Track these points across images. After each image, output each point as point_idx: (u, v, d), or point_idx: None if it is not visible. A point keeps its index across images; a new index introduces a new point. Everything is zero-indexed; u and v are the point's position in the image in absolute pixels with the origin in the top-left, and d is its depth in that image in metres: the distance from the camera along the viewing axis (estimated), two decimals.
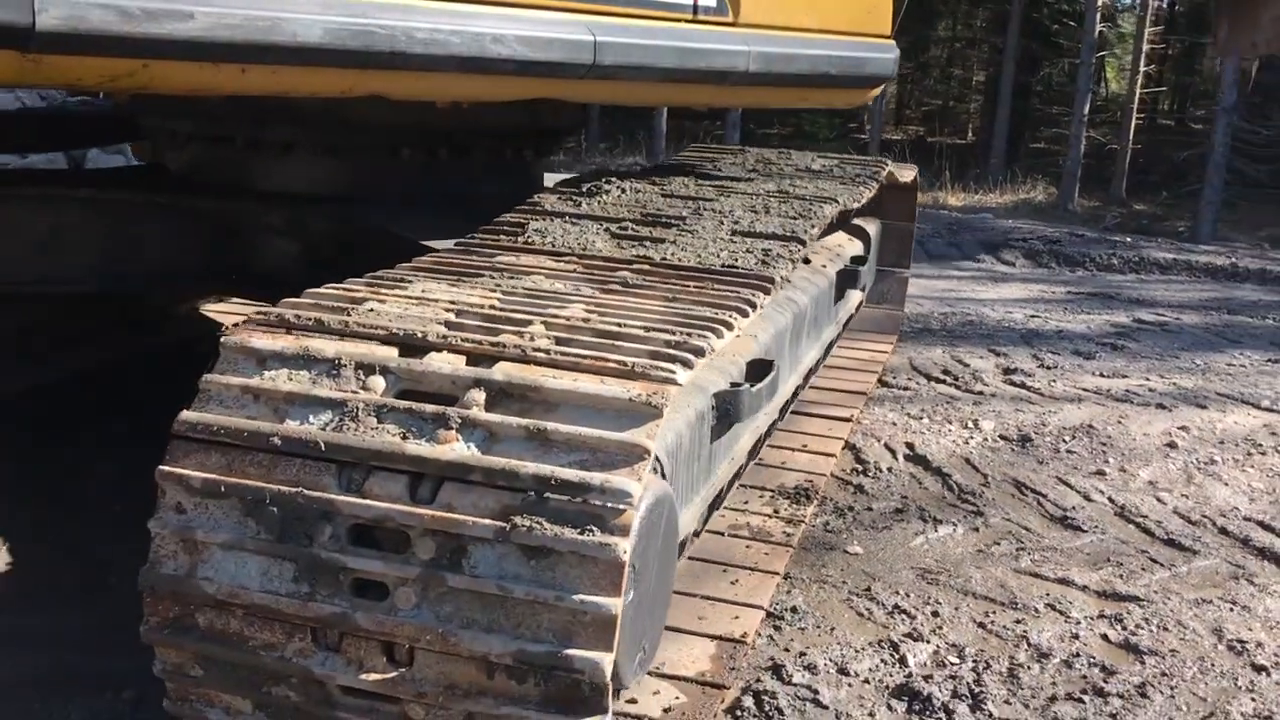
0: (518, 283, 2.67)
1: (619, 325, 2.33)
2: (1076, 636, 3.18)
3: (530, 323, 2.27)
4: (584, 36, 3.26)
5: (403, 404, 2.02)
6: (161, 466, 2.02)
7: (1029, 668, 2.97)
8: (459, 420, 1.97)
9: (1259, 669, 3.07)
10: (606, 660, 1.84)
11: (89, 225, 3.88)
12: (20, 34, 2.42)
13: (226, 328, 2.22)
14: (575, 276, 2.78)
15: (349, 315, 2.27)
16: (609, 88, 3.62)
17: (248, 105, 3.27)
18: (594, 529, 1.84)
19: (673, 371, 2.05)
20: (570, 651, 1.84)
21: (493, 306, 2.42)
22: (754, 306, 2.62)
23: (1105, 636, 3.20)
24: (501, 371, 2.06)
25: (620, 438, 1.91)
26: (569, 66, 3.27)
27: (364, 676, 1.94)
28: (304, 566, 1.94)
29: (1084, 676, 2.96)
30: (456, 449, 1.94)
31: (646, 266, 2.89)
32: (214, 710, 2.09)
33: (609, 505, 1.86)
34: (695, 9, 3.72)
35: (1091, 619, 3.27)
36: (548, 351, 2.14)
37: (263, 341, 2.16)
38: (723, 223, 3.43)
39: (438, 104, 3.71)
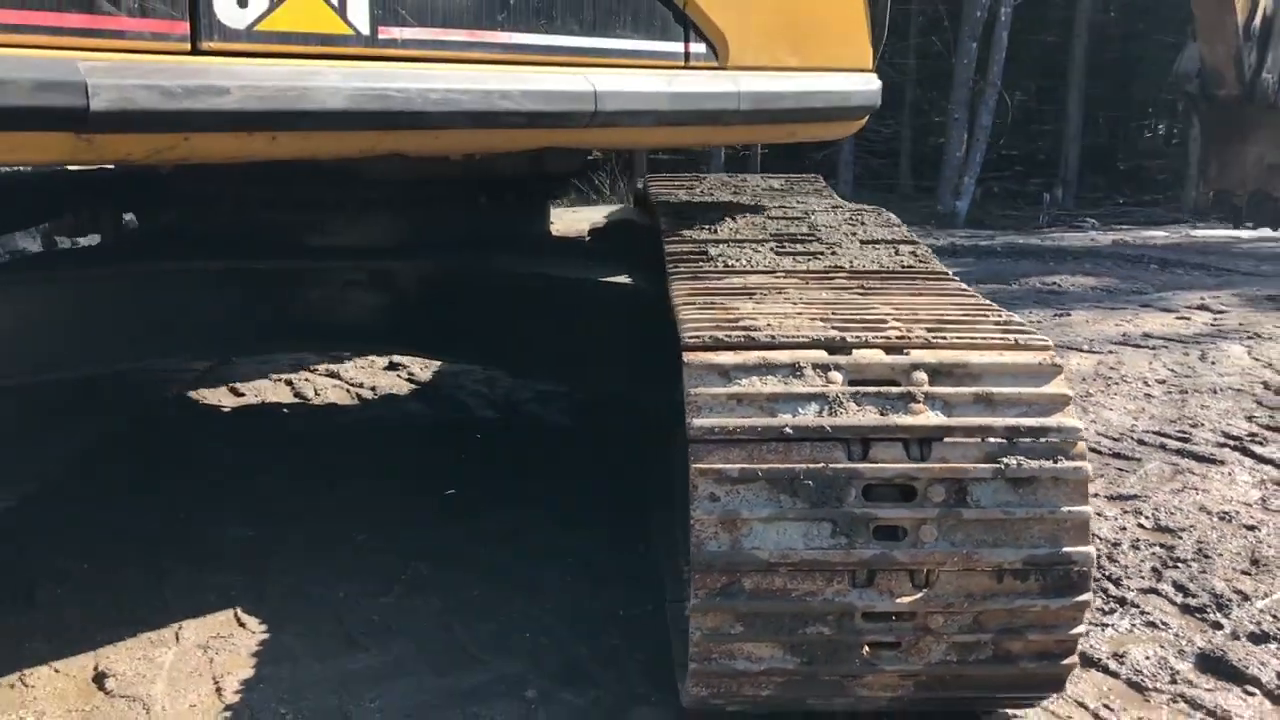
0: (797, 295, 3.15)
1: (931, 315, 2.89)
2: (1124, 529, 4.16)
3: (884, 322, 2.86)
4: (584, 88, 3.55)
5: (870, 389, 2.57)
6: (695, 465, 2.45)
7: (1116, 557, 3.89)
8: (922, 395, 2.56)
9: (1250, 528, 4.16)
10: (1090, 551, 2.52)
11: (174, 297, 3.93)
12: (76, 116, 2.67)
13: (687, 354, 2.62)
14: (815, 287, 3.22)
15: (754, 332, 2.74)
16: (610, 134, 4.02)
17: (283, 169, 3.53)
18: (1062, 458, 2.51)
19: (1045, 341, 2.74)
20: (1064, 549, 2.48)
21: (824, 314, 2.94)
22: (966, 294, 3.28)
23: (1141, 525, 4.22)
24: (933, 356, 2.65)
25: (1048, 391, 2.58)
26: (572, 116, 3.54)
27: (898, 600, 2.48)
28: (841, 524, 2.45)
29: (1154, 554, 3.93)
30: (932, 417, 2.53)
31: (846, 273, 3.48)
32: (739, 660, 2.54)
33: (1066, 440, 2.51)
34: (686, 56, 4.25)
35: (1121, 514, 4.28)
36: (928, 338, 2.72)
37: (723, 358, 2.62)
38: (835, 233, 3.90)
39: (451, 157, 4.10)
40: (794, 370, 2.59)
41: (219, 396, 5.73)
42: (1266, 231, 14.03)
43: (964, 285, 3.31)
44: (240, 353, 5.05)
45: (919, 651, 2.53)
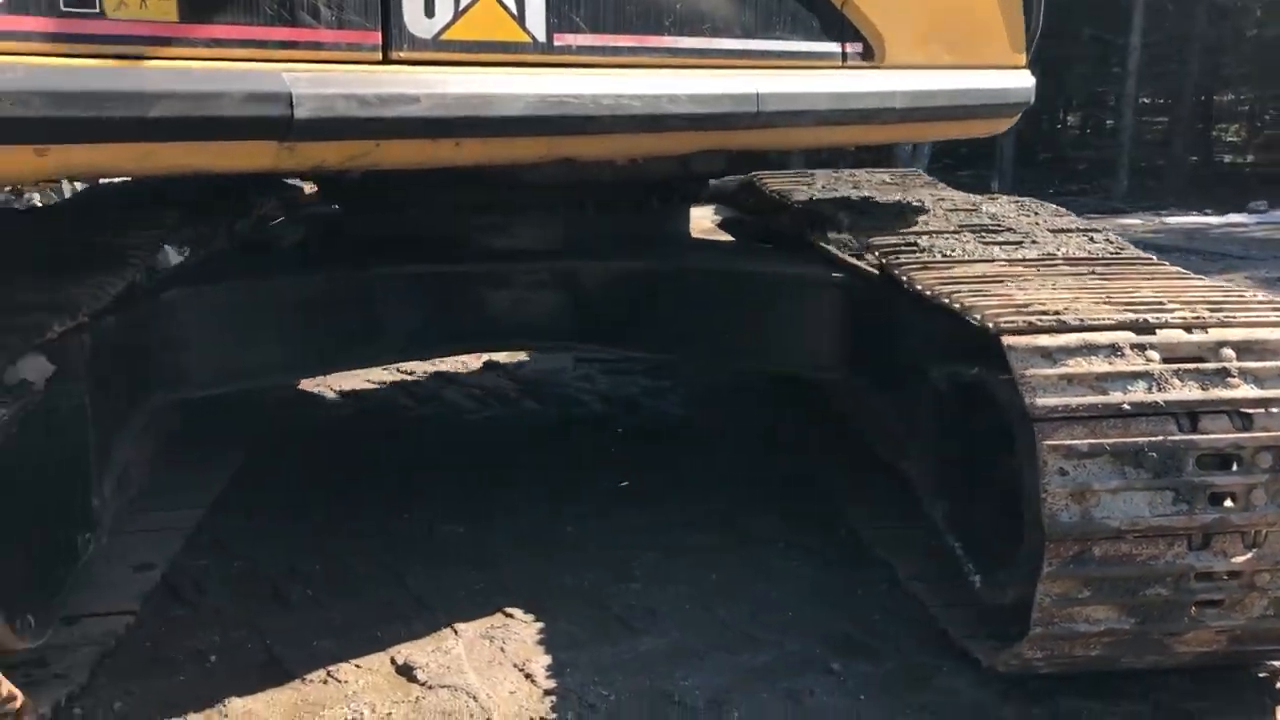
0: (1046, 281, 3.33)
1: (1192, 297, 3.08)
2: None
3: (1162, 304, 3.07)
4: (748, 90, 3.69)
5: (1187, 366, 2.78)
6: (1044, 442, 2.64)
7: None
8: (1236, 370, 2.78)
9: None
10: None
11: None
12: (282, 125, 2.85)
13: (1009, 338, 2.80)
14: (1051, 273, 3.43)
15: (1059, 316, 2.93)
16: (770, 135, 4.20)
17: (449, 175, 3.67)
18: None
19: None
20: None
21: (1099, 297, 3.12)
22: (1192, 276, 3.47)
23: None
24: (1234, 334, 2.86)
25: None
26: (735, 118, 3.69)
27: (1233, 560, 2.70)
28: (1181, 492, 2.66)
29: None
30: (1249, 390, 2.74)
31: (1064, 260, 3.68)
32: (1080, 624, 2.74)
33: None
34: (844, 55, 4.43)
35: None
36: (1219, 318, 2.92)
37: (1044, 340, 2.80)
38: (1016, 223, 4.08)
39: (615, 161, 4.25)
40: (1114, 350, 2.79)
41: (336, 401, 5.76)
42: (1233, 217, 14.72)
43: (1181, 269, 3.55)
44: (428, 354, 5.10)
45: (1242, 608, 2.75)
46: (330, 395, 5.84)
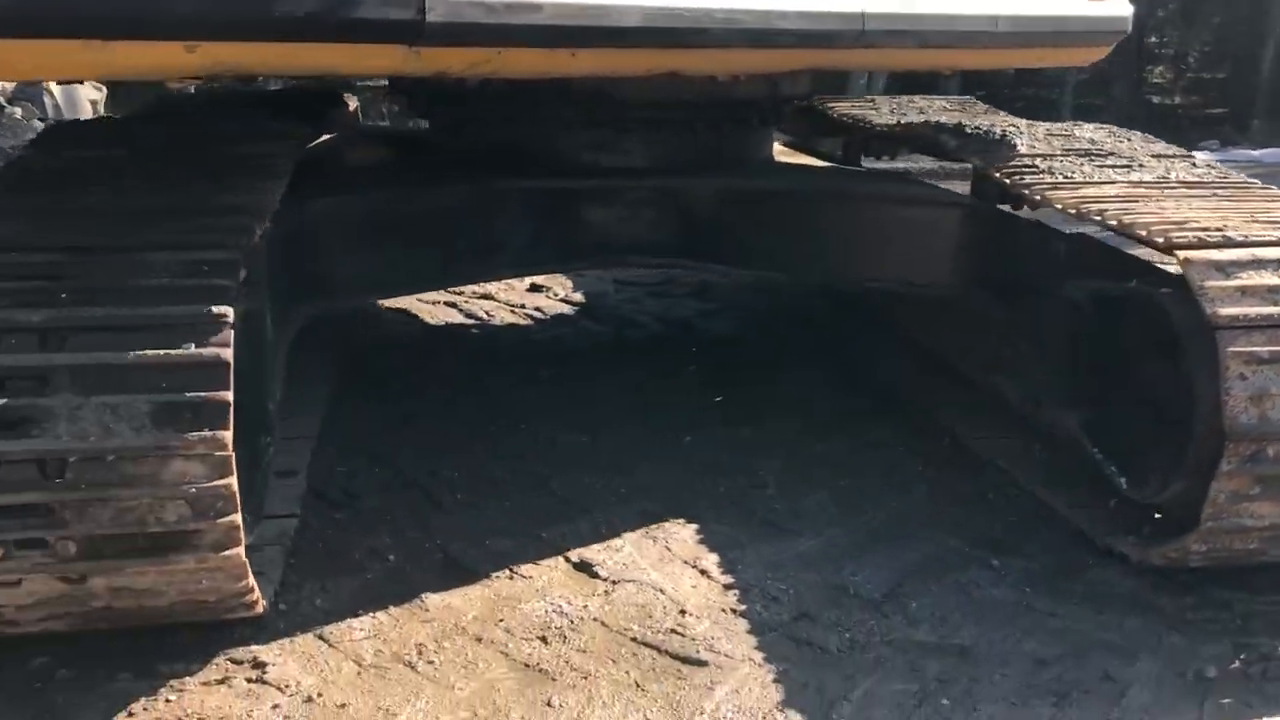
0: (1179, 202, 3.50)
1: None
2: None
3: None
4: (853, 8, 3.77)
5: None
6: (1228, 349, 2.83)
7: None
8: None
9: None
10: None
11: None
12: (412, 29, 2.96)
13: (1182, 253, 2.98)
14: (1174, 197, 3.57)
15: (1222, 232, 3.12)
16: (872, 55, 4.36)
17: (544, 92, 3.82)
18: None
19: None
20: None
21: (1245, 216, 3.31)
22: None
23: None
24: None
25: None
26: (840, 36, 3.84)
27: None
28: None
29: None
30: None
31: (1182, 184, 3.84)
32: (1246, 519, 2.95)
33: None
34: None
35: None
36: None
37: (1217, 255, 2.99)
38: (1121, 147, 4.26)
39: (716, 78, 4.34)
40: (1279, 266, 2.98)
41: (399, 320, 5.80)
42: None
43: None
44: (541, 270, 5.15)
45: None
46: (391, 313, 5.87)
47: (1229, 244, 3.04)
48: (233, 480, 2.47)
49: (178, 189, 3.10)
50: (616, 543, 3.41)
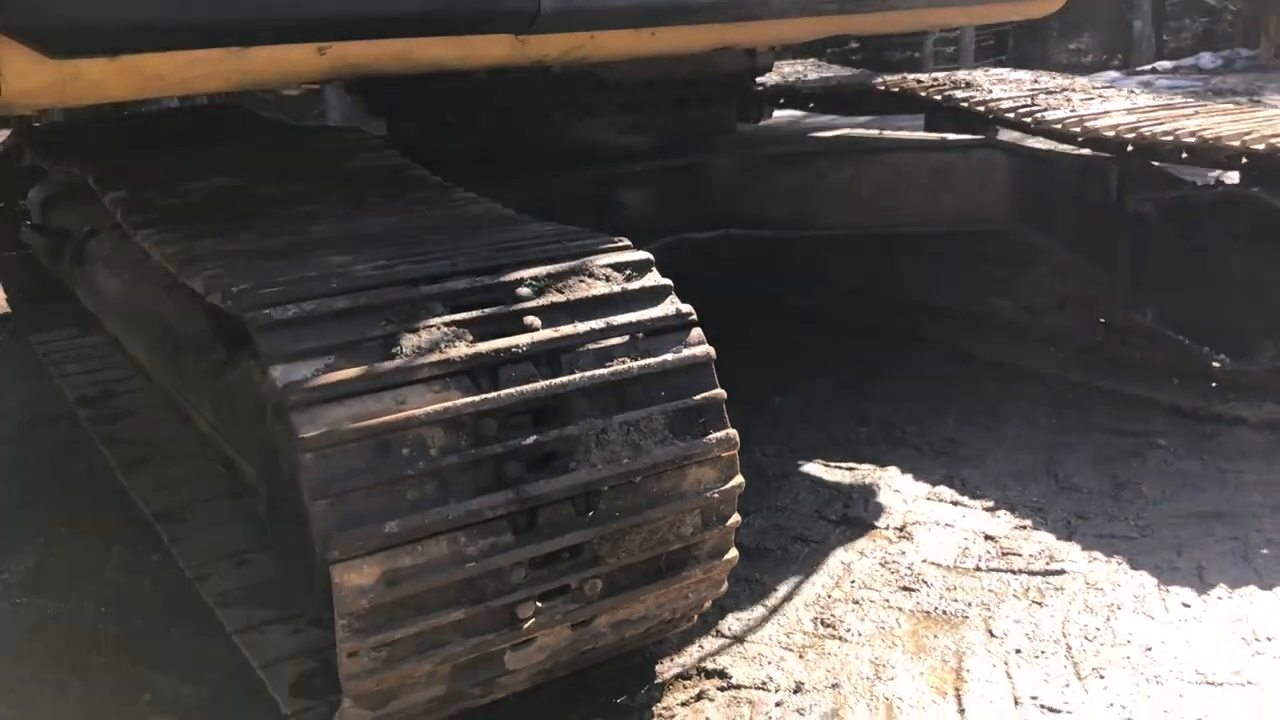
0: (1190, 119, 4.09)
1: None
2: None
3: None
4: None
5: None
6: None
7: None
8: None
9: None
10: None
11: None
12: (527, 18, 3.13)
13: None
14: (1176, 116, 4.16)
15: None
16: (894, 18, 4.60)
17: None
18: None
19: None
20: None
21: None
22: None
23: None
24: None
25: None
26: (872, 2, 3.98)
27: None
28: None
29: None
30: None
31: (1158, 108, 4.44)
32: None
33: None
34: None
35: None
36: None
37: None
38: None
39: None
40: None
41: None
42: None
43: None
44: None
45: None
46: None
47: None
48: (740, 480, 2.38)
49: None
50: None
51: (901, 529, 3.30)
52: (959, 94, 4.73)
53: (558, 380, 2.20)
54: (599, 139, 4.40)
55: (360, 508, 2.02)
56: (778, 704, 2.53)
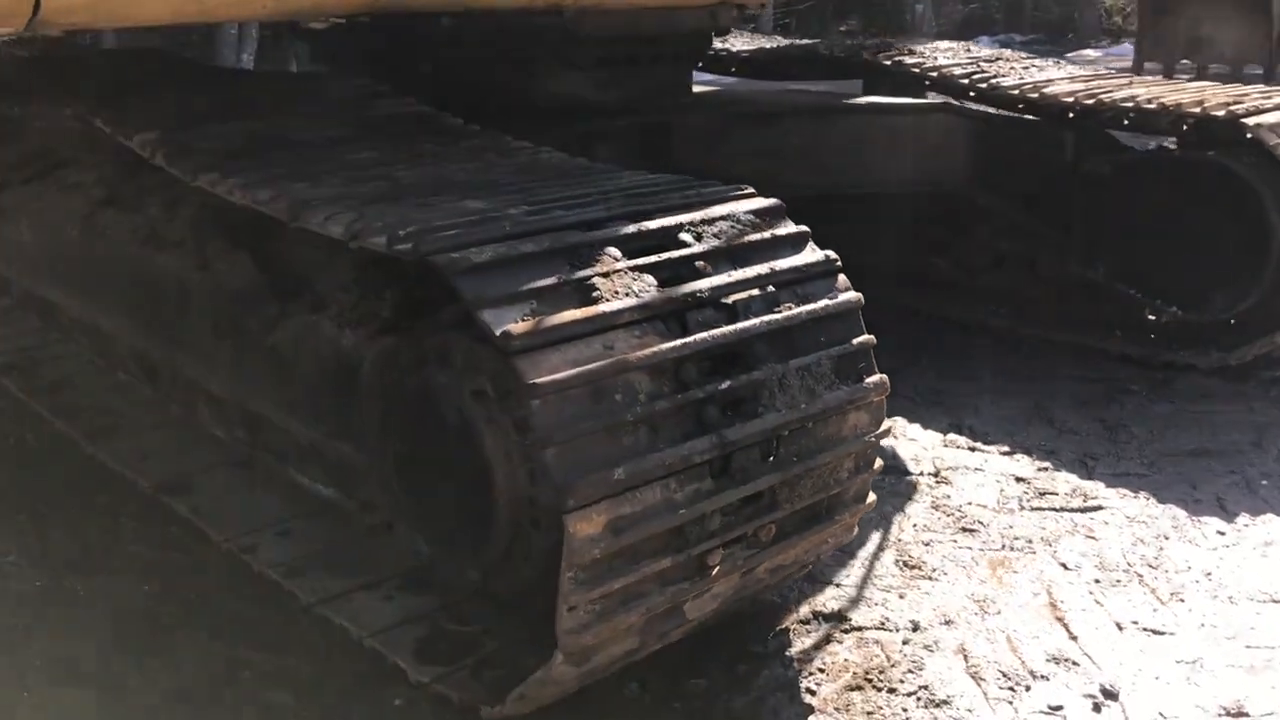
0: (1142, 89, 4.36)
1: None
2: None
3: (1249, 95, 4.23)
4: None
5: None
6: None
7: None
8: None
9: None
10: None
11: None
12: None
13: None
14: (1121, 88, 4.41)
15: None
16: None
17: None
18: None
19: None
20: None
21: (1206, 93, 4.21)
22: None
23: None
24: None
25: None
26: None
27: None
28: None
29: None
30: None
31: (1098, 78, 4.69)
32: None
33: None
34: None
35: None
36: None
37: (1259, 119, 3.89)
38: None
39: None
40: None
41: None
42: None
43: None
44: None
45: None
46: None
47: (1260, 111, 3.99)
48: (889, 424, 2.42)
49: None
50: None
51: (937, 474, 3.42)
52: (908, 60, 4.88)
53: (741, 325, 2.18)
54: (577, 93, 4.32)
55: (588, 455, 1.94)
56: (904, 643, 2.59)
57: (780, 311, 2.25)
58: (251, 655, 2.53)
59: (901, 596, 2.77)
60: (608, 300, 2.07)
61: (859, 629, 2.63)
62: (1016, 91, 4.41)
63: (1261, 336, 4.07)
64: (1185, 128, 4.11)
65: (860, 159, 4.60)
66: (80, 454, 3.52)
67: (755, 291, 2.25)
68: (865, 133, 4.60)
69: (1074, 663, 2.52)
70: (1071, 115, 4.27)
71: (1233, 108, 3.98)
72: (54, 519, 3.17)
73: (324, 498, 3.01)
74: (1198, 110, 4.02)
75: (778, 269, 2.31)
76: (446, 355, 2.30)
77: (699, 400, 2.08)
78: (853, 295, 2.38)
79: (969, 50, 5.25)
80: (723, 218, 2.39)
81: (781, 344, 2.23)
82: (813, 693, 2.41)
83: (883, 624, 2.65)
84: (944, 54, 4.95)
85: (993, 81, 4.53)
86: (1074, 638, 2.62)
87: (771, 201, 2.49)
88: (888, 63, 4.89)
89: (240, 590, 2.77)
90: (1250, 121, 3.88)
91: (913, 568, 2.90)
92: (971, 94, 4.55)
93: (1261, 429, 3.76)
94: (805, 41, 6.19)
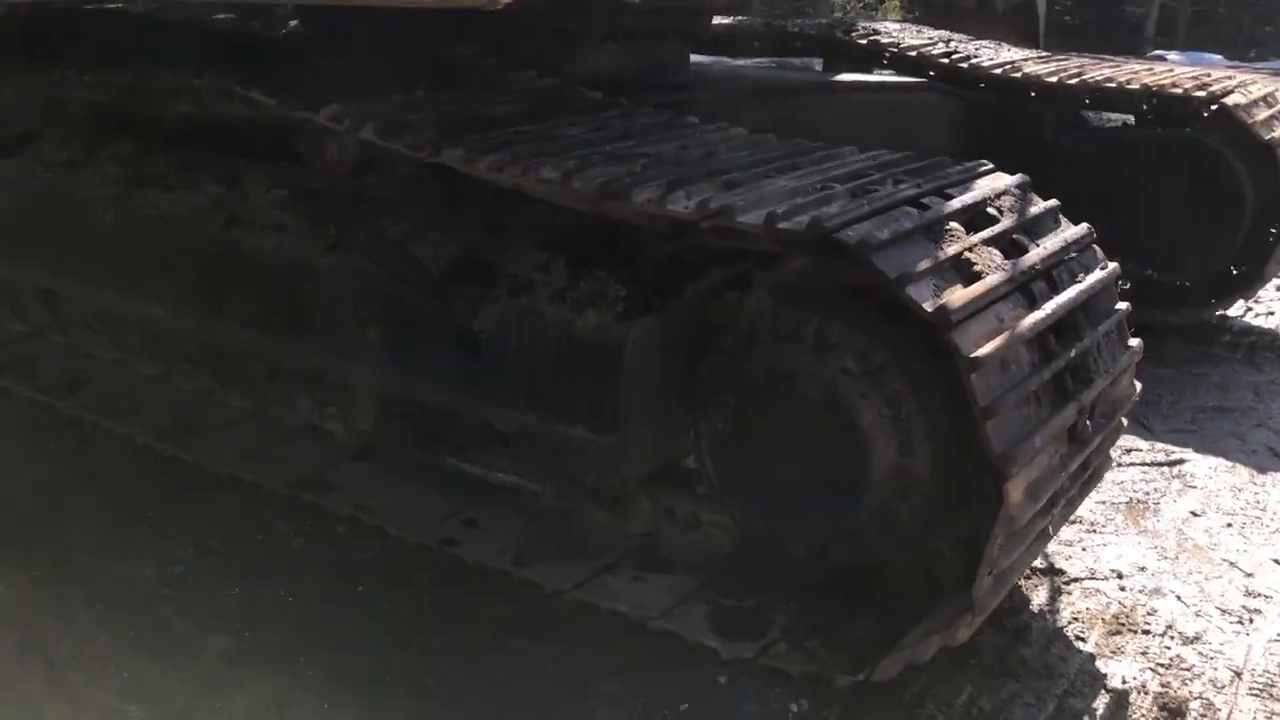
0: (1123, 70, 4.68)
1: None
2: None
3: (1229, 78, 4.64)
4: None
5: None
6: None
7: None
8: None
9: None
10: None
11: None
12: None
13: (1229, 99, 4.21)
14: (1105, 69, 4.75)
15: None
16: None
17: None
18: None
19: None
20: None
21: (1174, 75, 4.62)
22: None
23: None
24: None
25: None
26: None
27: None
28: None
29: None
30: None
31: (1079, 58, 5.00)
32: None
33: None
34: None
35: None
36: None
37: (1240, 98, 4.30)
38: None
39: None
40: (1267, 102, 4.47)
41: None
42: None
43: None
44: None
45: None
46: None
47: (1237, 88, 4.43)
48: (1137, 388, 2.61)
49: None
50: None
51: None
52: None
53: (1070, 294, 2.30)
54: (612, 66, 4.24)
55: (1013, 424, 2.01)
56: (1121, 589, 2.79)
57: (1082, 281, 2.38)
58: (524, 646, 2.43)
59: (1084, 549, 2.96)
60: (988, 274, 2.13)
61: (1076, 580, 2.80)
62: (1000, 72, 4.72)
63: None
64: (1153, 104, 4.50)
65: (863, 135, 4.77)
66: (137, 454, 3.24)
67: (1064, 261, 2.37)
68: (864, 110, 4.77)
69: (1266, 596, 2.79)
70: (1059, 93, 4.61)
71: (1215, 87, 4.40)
72: (155, 524, 2.91)
73: (503, 485, 2.90)
74: (1179, 91, 4.42)
75: (1069, 240, 2.43)
76: (796, 334, 2.27)
77: (1062, 369, 2.19)
78: (1113, 266, 2.53)
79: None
80: (1004, 193, 2.48)
81: (1090, 312, 2.36)
82: (1083, 639, 2.56)
83: (1092, 574, 2.84)
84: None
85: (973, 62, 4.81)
86: (1249, 575, 2.89)
87: (1021, 178, 2.61)
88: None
89: (440, 579, 2.65)
90: (1231, 100, 4.32)
91: (1072, 522, 3.09)
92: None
93: (1256, 387, 4.20)
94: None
